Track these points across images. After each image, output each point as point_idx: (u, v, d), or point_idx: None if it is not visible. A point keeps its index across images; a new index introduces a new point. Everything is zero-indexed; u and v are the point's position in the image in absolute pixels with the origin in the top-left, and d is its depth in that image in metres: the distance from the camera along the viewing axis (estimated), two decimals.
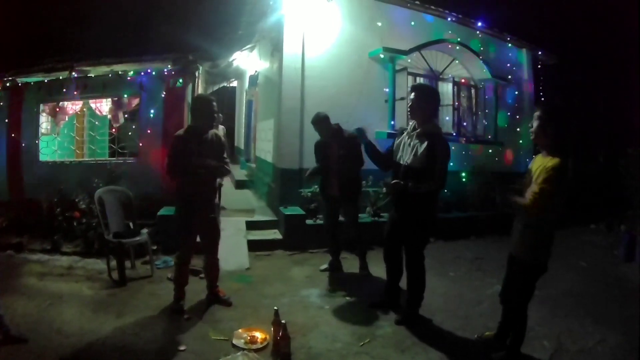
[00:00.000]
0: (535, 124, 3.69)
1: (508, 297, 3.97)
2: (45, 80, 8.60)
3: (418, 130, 4.49)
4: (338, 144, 6.05)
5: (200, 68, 9.58)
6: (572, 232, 9.24)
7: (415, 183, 4.33)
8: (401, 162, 4.58)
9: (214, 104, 4.92)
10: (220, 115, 7.71)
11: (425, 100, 4.52)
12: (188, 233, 4.95)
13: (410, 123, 4.71)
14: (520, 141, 11.64)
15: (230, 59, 11.92)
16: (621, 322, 4.89)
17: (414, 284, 4.72)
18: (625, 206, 8.55)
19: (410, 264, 4.71)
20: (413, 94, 4.55)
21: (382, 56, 8.98)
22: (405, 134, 4.70)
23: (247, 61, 12.86)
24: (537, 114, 3.72)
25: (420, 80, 10.00)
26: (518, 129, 11.62)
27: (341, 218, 6.49)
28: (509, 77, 11.48)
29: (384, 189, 6.04)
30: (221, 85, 17.26)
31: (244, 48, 11.41)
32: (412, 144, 4.50)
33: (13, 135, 8.65)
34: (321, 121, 6.18)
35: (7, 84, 8.70)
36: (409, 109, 4.63)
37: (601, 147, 12.02)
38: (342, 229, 6.50)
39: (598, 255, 8.10)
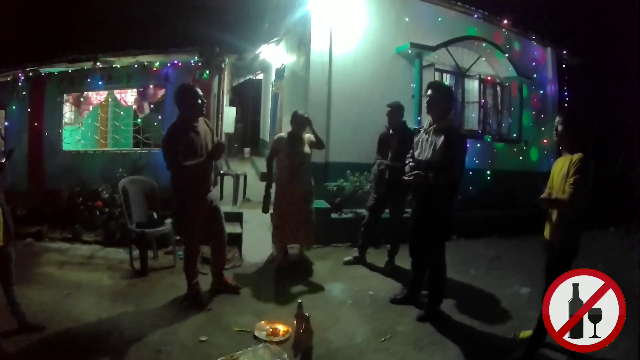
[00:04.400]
0: (559, 128, 3.91)
1: None
2: (69, 71, 8.66)
3: (434, 126, 4.60)
4: (399, 139, 5.98)
5: (227, 60, 9.60)
6: (590, 235, 9.03)
7: (435, 175, 4.40)
8: (420, 157, 4.67)
9: (199, 91, 4.86)
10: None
11: (442, 97, 4.66)
12: (195, 224, 4.90)
13: (427, 120, 4.81)
14: (544, 140, 11.46)
15: (257, 52, 11.95)
16: (633, 327, 4.79)
17: (434, 280, 4.75)
18: None
19: (431, 259, 4.75)
20: (430, 91, 4.68)
21: (409, 52, 8.90)
22: (422, 131, 4.83)
23: (274, 54, 12.83)
24: (558, 119, 3.96)
25: (446, 76, 10.00)
26: (542, 128, 11.45)
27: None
28: (534, 75, 11.36)
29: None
30: (247, 77, 17.33)
31: (270, 41, 11.42)
32: (429, 139, 4.60)
33: (35, 124, 8.72)
34: (397, 108, 6.20)
35: (30, 74, 8.78)
36: (426, 105, 4.76)
37: (621, 149, 11.82)
38: (380, 225, 6.50)
39: (615, 259, 7.91)
